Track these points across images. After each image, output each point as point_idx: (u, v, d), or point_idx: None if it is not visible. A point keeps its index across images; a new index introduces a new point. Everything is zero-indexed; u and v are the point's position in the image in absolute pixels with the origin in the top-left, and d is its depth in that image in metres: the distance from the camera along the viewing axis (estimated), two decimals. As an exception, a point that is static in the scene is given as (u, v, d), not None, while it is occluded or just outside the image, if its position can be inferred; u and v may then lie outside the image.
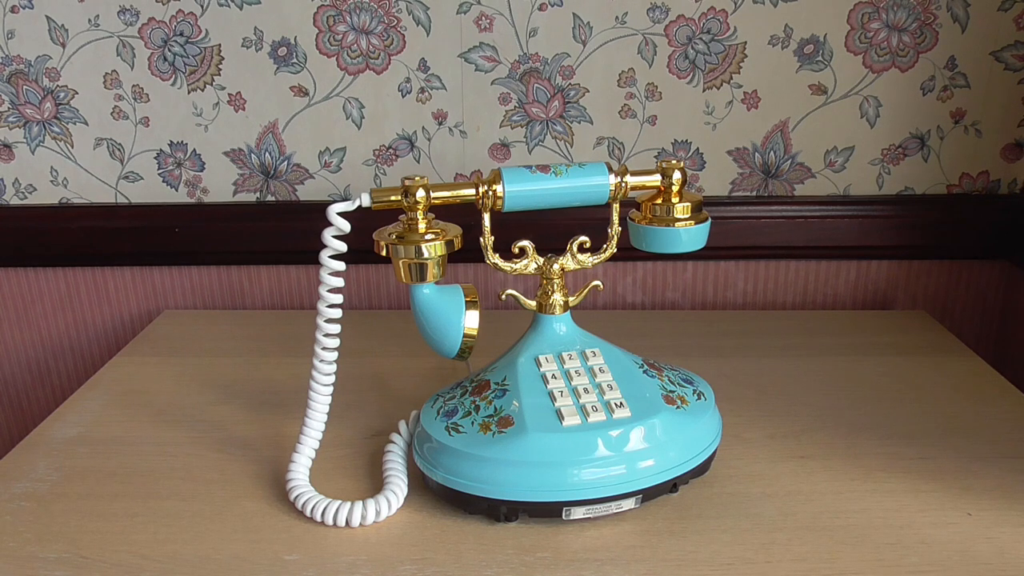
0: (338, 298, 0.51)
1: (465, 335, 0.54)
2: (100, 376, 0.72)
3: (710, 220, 0.55)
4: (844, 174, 0.82)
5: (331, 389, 0.54)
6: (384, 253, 0.51)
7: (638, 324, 0.81)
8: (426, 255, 0.51)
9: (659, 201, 0.54)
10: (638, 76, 0.79)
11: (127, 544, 0.50)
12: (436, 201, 0.51)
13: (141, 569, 0.48)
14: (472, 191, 0.51)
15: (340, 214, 0.50)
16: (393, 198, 0.51)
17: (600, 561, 0.48)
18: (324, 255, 0.51)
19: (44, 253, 0.87)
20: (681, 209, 0.53)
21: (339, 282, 0.51)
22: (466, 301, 0.54)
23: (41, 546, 0.50)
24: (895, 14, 0.76)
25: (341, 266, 0.51)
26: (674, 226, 0.54)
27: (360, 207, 0.50)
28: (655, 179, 0.53)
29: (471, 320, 0.54)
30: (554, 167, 0.52)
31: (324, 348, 0.53)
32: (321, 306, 0.51)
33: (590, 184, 0.52)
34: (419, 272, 0.51)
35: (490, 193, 0.51)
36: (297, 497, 0.52)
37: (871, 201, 0.82)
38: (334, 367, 0.54)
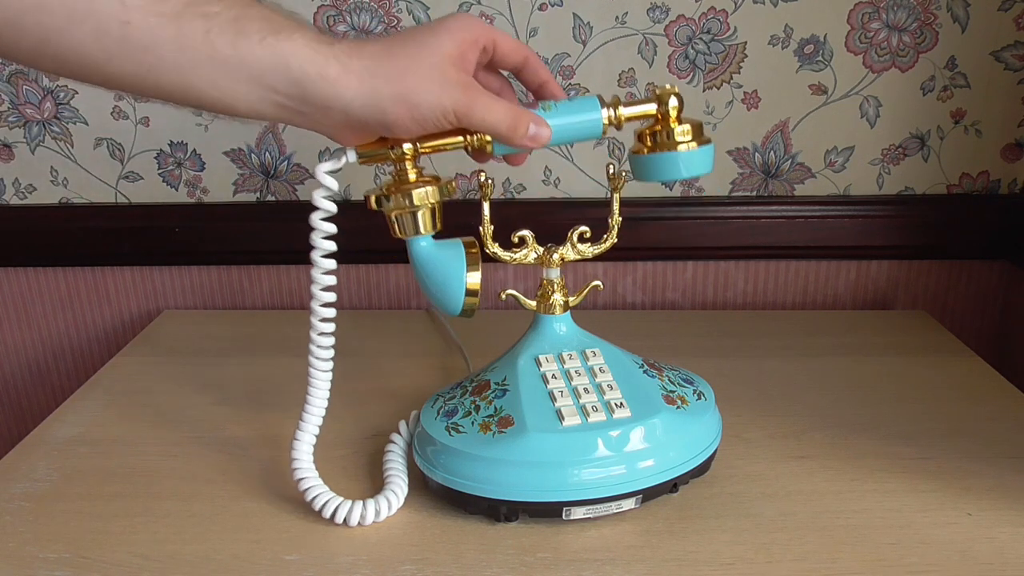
0: (332, 264, 0.49)
1: (468, 289, 0.51)
2: (100, 376, 0.72)
3: (713, 144, 0.51)
4: (844, 174, 0.82)
5: (332, 352, 0.51)
6: (375, 206, 0.49)
7: (638, 324, 0.81)
8: (418, 201, 0.49)
9: (658, 128, 0.50)
10: (638, 76, 0.79)
11: (127, 544, 0.50)
12: (425, 150, 0.48)
13: (141, 569, 0.48)
14: (460, 138, 0.48)
15: (328, 173, 0.48)
16: (380, 152, 0.48)
17: (600, 561, 0.48)
18: (315, 218, 0.48)
19: (44, 253, 0.87)
20: (681, 132, 0.49)
21: (332, 246, 0.49)
22: (467, 253, 0.51)
23: (41, 546, 0.50)
24: (895, 14, 0.76)
25: (333, 228, 0.48)
26: (676, 149, 0.49)
27: (347, 163, 0.48)
28: (650, 107, 0.49)
29: (473, 273, 0.51)
30: (543, 104, 0.49)
31: (322, 306, 0.50)
32: (316, 273, 0.49)
33: (582, 120, 0.49)
34: (412, 222, 0.49)
35: (476, 140, 0.48)
36: (301, 481, 0.51)
37: (871, 201, 0.82)
38: (333, 326, 0.51)
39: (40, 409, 0.94)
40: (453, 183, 0.50)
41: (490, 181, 0.53)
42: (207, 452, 0.60)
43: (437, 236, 0.51)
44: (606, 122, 0.49)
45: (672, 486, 0.51)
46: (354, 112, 0.43)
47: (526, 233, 0.55)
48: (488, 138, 0.48)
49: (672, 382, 0.55)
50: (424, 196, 0.49)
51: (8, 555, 0.49)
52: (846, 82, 0.78)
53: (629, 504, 0.50)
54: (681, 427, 0.51)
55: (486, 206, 0.53)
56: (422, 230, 0.50)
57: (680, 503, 0.52)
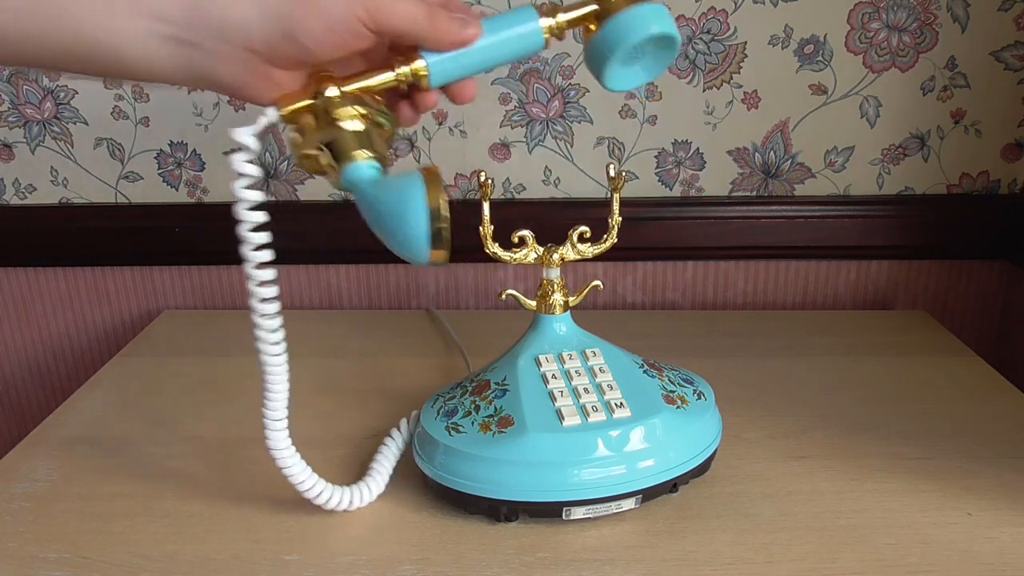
0: (264, 237, 0.45)
1: (434, 227, 0.41)
2: (100, 376, 0.72)
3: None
4: (844, 174, 0.82)
5: (280, 322, 0.49)
6: (301, 148, 0.43)
7: (638, 324, 0.81)
8: (344, 114, 0.42)
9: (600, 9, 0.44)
10: (638, 76, 0.79)
11: (127, 544, 0.50)
12: (353, 92, 0.43)
13: (141, 569, 0.48)
14: (391, 72, 0.43)
15: (248, 135, 0.44)
16: (303, 103, 0.42)
17: (600, 561, 0.48)
18: (239, 186, 0.44)
19: (44, 253, 0.87)
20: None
21: (261, 216, 0.45)
22: (426, 176, 0.41)
23: (41, 546, 0.50)
24: (895, 14, 0.76)
25: (259, 196, 0.45)
26: (626, 9, 0.42)
27: (269, 123, 0.43)
28: (591, 7, 0.44)
29: (436, 202, 0.40)
30: None
31: (259, 284, 0.48)
32: (246, 250, 0.46)
33: (519, 33, 0.44)
34: (344, 142, 0.42)
35: (409, 72, 0.43)
36: (280, 461, 0.49)
37: (871, 201, 0.82)
38: (277, 306, 0.48)
39: (40, 409, 0.94)
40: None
41: (490, 181, 0.53)
42: (207, 452, 0.60)
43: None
44: (547, 34, 0.44)
45: (672, 486, 0.51)
46: (254, 29, 0.39)
47: (526, 233, 0.55)
48: (423, 69, 0.42)
49: (672, 382, 0.55)
50: (351, 104, 0.42)
51: (8, 555, 0.49)
52: (846, 82, 0.78)
53: (629, 504, 0.50)
54: (681, 427, 0.51)
55: (486, 206, 0.53)
56: (358, 153, 0.42)
57: (680, 503, 0.52)
